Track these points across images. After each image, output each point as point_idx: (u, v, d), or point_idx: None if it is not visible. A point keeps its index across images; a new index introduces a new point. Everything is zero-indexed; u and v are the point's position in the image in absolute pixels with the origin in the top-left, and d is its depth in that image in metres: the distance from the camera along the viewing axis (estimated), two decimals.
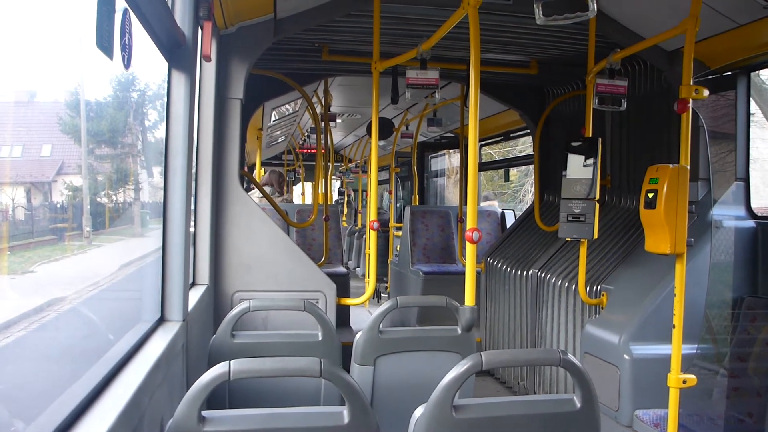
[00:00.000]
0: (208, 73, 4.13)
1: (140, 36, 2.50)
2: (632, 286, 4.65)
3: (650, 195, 3.71)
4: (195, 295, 3.76)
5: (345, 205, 18.27)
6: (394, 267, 9.31)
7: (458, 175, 8.70)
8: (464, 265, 3.39)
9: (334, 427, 2.03)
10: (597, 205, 4.54)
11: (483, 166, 10.25)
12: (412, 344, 3.31)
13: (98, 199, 3.27)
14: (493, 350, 2.37)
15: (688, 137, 3.68)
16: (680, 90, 3.63)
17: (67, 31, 2.32)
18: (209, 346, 3.22)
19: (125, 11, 2.29)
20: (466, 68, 4.96)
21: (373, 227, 4.77)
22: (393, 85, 4.91)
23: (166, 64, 3.12)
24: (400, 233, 9.73)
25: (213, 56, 4.04)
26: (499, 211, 9.41)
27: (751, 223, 4.60)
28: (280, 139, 13.48)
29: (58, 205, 3.01)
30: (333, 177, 17.36)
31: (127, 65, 2.32)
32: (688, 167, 3.68)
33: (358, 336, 3.28)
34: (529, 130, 7.38)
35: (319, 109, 8.04)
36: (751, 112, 4.70)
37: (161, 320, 3.13)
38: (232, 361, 2.01)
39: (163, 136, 3.19)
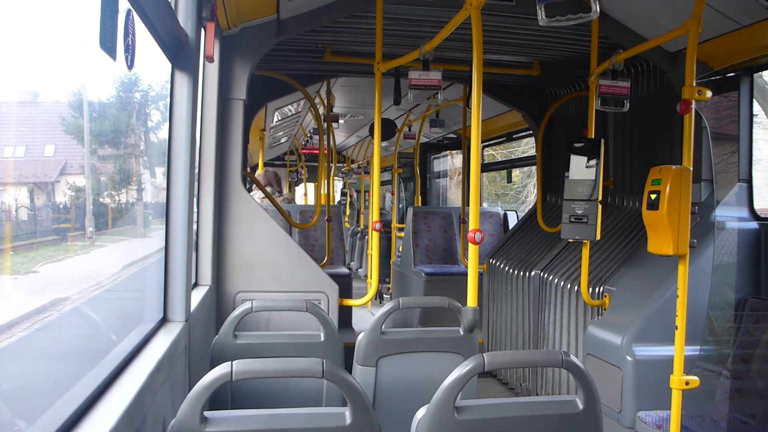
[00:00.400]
0: (210, 73, 4.14)
1: (143, 37, 2.50)
2: (635, 287, 4.65)
3: (653, 196, 3.71)
4: (197, 296, 3.77)
5: (347, 206, 18.28)
6: (397, 268, 9.30)
7: (461, 176, 8.69)
8: (466, 266, 3.39)
9: (336, 428, 2.03)
10: (599, 207, 4.54)
11: (485, 167, 10.24)
12: (414, 345, 3.31)
13: (101, 200, 3.27)
14: (496, 351, 2.37)
15: (690, 138, 3.67)
16: (683, 91, 3.63)
17: (70, 32, 2.33)
18: (211, 347, 3.23)
19: (128, 12, 2.29)
20: (468, 69, 4.96)
21: (376, 228, 4.77)
22: (396, 86, 4.91)
23: (169, 65, 3.12)
24: (402, 234, 9.73)
25: (216, 57, 4.04)
26: (501, 212, 9.41)
27: (754, 225, 4.60)
28: (282, 140, 13.49)
29: (61, 206, 3.01)
30: (335, 178, 17.40)
31: (130, 66, 2.32)
32: (691, 168, 3.68)
33: (360, 337, 3.28)
34: (531, 131, 7.38)
35: (321, 110, 8.05)
36: (754, 113, 4.69)
37: (164, 320, 3.13)
38: (234, 362, 2.01)
39: (166, 136, 3.19)
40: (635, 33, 4.75)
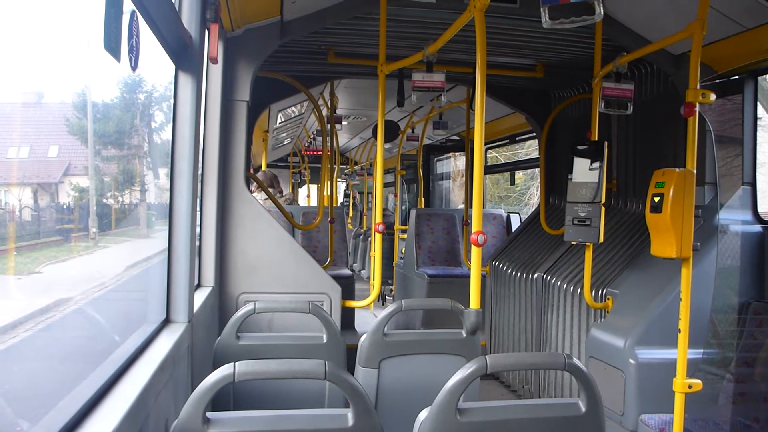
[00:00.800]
0: (214, 75, 4.14)
1: (147, 38, 2.51)
2: (638, 290, 4.64)
3: (656, 199, 3.70)
4: (200, 297, 3.77)
5: (350, 208, 18.27)
6: (399, 270, 9.30)
7: (464, 178, 8.68)
8: (469, 269, 3.39)
9: (338, 430, 2.03)
10: (603, 209, 4.53)
11: (488, 170, 10.24)
12: (416, 347, 3.31)
13: (105, 201, 3.28)
14: (498, 354, 2.38)
15: (694, 141, 3.67)
16: (687, 94, 3.63)
17: (75, 33, 2.33)
18: (214, 348, 3.23)
19: (133, 13, 2.29)
20: (472, 71, 4.96)
21: (379, 230, 4.77)
22: (399, 87, 4.92)
23: (173, 66, 3.13)
24: (405, 236, 9.73)
25: (219, 58, 4.05)
26: (504, 214, 9.40)
27: (757, 228, 4.59)
28: (285, 141, 13.50)
29: (65, 206, 3.02)
30: (338, 179, 17.40)
31: (134, 67, 2.32)
32: (695, 171, 3.67)
33: (362, 338, 3.28)
34: (534, 134, 7.38)
35: (325, 112, 8.05)
36: (758, 116, 4.68)
37: (166, 321, 3.13)
38: (236, 363, 2.02)
39: (170, 137, 3.20)
40: (639, 35, 4.75)
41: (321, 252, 8.08)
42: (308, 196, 18.47)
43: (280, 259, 4.50)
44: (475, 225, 3.29)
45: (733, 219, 4.54)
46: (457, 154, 12.57)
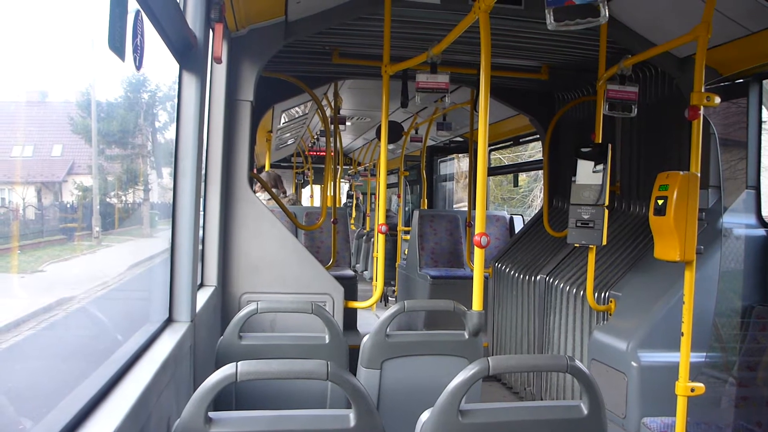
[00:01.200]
0: (218, 74, 4.15)
1: (152, 38, 2.51)
2: (641, 293, 4.63)
3: (660, 202, 3.70)
4: (203, 297, 3.77)
5: (353, 208, 18.28)
6: (402, 271, 9.30)
7: (467, 180, 8.68)
8: (472, 270, 3.39)
9: (340, 430, 2.03)
10: (606, 212, 4.53)
11: (492, 171, 10.23)
12: (419, 348, 3.31)
13: (108, 200, 3.28)
14: (501, 355, 2.38)
15: (698, 144, 3.66)
16: (691, 97, 3.62)
17: (79, 32, 2.34)
18: (216, 348, 3.23)
19: (137, 13, 2.30)
20: (476, 73, 4.96)
21: (382, 231, 4.77)
22: (403, 88, 4.92)
23: (177, 66, 3.13)
24: (408, 237, 9.73)
25: (224, 58, 4.05)
26: (508, 216, 9.40)
27: (761, 232, 4.58)
28: (289, 142, 13.51)
29: (68, 205, 3.02)
30: (342, 180, 17.41)
31: (138, 66, 2.33)
32: (699, 174, 3.66)
33: (365, 339, 3.28)
34: (538, 136, 7.37)
35: (328, 112, 8.05)
36: (763, 119, 4.67)
37: (169, 321, 3.14)
38: (239, 363, 2.02)
39: (173, 137, 3.20)
40: (644, 38, 4.74)
41: (324, 252, 8.08)
42: (311, 196, 18.48)
43: (282, 259, 4.50)
44: (478, 226, 3.29)
45: (737, 222, 4.54)
46: (460, 155, 12.57)
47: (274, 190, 8.19)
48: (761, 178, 4.66)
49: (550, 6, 2.89)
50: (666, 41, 4.08)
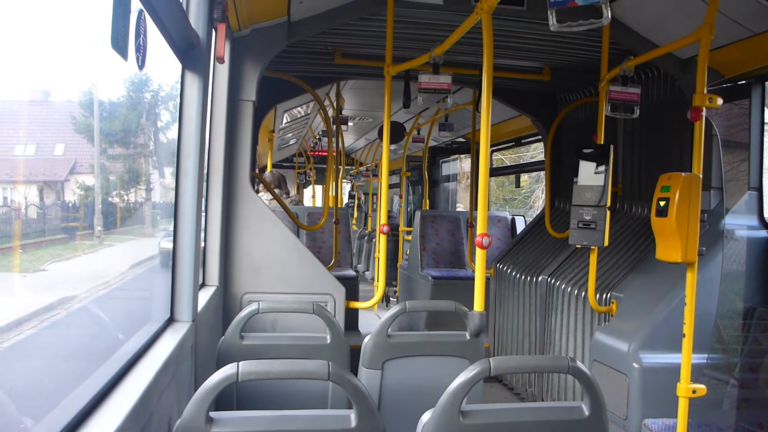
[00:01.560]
0: (221, 74, 4.15)
1: (154, 37, 2.51)
2: (642, 294, 4.63)
3: (662, 203, 3.69)
4: (204, 296, 3.77)
5: (355, 209, 18.29)
6: (404, 271, 9.30)
7: (469, 180, 8.69)
8: (473, 271, 3.39)
9: (341, 431, 2.03)
10: (608, 213, 4.53)
11: (494, 172, 10.23)
12: (420, 349, 3.31)
13: (110, 199, 3.29)
14: (502, 356, 2.38)
15: (700, 146, 3.66)
16: (694, 98, 3.61)
17: (82, 32, 2.34)
18: (218, 348, 3.23)
19: (140, 12, 2.30)
20: (478, 73, 4.96)
21: (383, 231, 4.77)
22: (405, 89, 4.92)
23: (179, 66, 3.13)
24: (410, 237, 9.72)
25: (226, 58, 4.05)
26: (509, 216, 9.40)
27: (763, 233, 4.57)
28: (291, 142, 13.52)
29: (70, 204, 3.02)
30: (344, 180, 17.41)
31: (141, 66, 2.33)
32: (701, 176, 3.66)
33: (366, 339, 3.28)
34: (540, 137, 7.37)
35: (330, 113, 8.05)
36: (765, 121, 4.67)
37: (170, 320, 3.14)
38: (240, 363, 2.02)
39: (176, 136, 3.20)
40: (646, 39, 4.74)
41: (325, 253, 8.08)
42: (313, 196, 18.48)
43: (284, 259, 4.50)
44: (480, 227, 3.29)
45: (739, 224, 4.53)
46: (462, 156, 12.57)
47: (277, 190, 8.21)
48: (763, 179, 4.66)
49: (552, 7, 2.89)
50: (668, 43, 4.08)
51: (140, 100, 3.48)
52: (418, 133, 10.19)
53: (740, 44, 4.27)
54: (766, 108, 4.64)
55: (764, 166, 4.67)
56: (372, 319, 8.71)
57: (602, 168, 4.56)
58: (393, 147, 11.56)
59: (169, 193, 3.40)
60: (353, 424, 2.03)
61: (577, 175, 4.67)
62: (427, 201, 10.60)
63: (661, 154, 5.19)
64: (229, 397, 3.14)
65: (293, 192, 11.56)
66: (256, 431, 2.00)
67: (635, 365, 4.16)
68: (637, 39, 4.75)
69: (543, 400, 5.75)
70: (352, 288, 6.83)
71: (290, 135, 12.33)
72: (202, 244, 4.11)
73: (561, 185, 6.73)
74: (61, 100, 2.81)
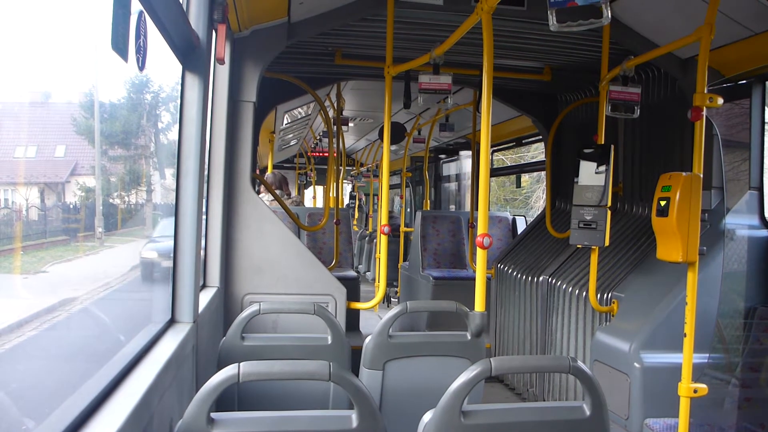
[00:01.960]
0: (221, 75, 4.15)
1: (155, 38, 2.51)
2: (643, 294, 4.63)
3: (662, 203, 3.69)
4: (205, 297, 3.77)
5: (356, 209, 18.29)
6: (405, 272, 9.30)
7: (468, 181, 8.70)
8: (474, 271, 3.39)
9: (342, 431, 2.03)
10: (608, 213, 4.53)
11: (494, 172, 10.23)
12: (421, 349, 3.31)
13: (111, 200, 3.29)
14: (503, 356, 2.38)
15: (701, 145, 3.66)
16: (694, 98, 3.61)
17: (82, 33, 2.34)
18: (219, 348, 3.23)
19: (140, 13, 2.30)
20: (479, 74, 4.96)
21: (384, 231, 4.77)
22: (405, 89, 4.92)
23: (180, 67, 3.13)
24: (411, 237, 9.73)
25: (227, 59, 4.06)
26: (510, 217, 9.40)
27: (764, 233, 4.57)
28: (292, 143, 13.52)
29: (71, 206, 3.03)
30: (344, 181, 17.41)
31: (141, 67, 2.33)
32: (701, 175, 3.66)
33: (367, 340, 3.28)
34: (541, 137, 7.37)
35: (331, 113, 8.05)
36: (766, 120, 4.67)
37: (171, 321, 3.14)
38: (241, 363, 2.02)
39: (176, 138, 3.20)
40: (647, 39, 4.74)
41: (326, 253, 8.09)
42: (314, 197, 18.49)
43: (285, 260, 4.50)
44: (481, 227, 3.29)
45: (740, 224, 4.53)
46: (463, 157, 12.57)
47: (278, 191, 8.21)
48: (764, 179, 4.66)
49: (552, 7, 2.89)
50: (669, 42, 4.08)
51: (141, 102, 3.48)
52: (419, 134, 10.19)
53: (740, 44, 4.27)
54: (766, 107, 4.64)
55: (765, 166, 4.67)
56: (373, 319, 8.71)
57: (603, 168, 4.56)
58: (394, 147, 11.57)
59: (170, 194, 3.40)
60: (354, 424, 2.03)
61: (577, 175, 4.67)
62: (428, 201, 10.59)
63: (661, 153, 5.19)
64: (230, 398, 3.14)
65: (294, 193, 11.56)
66: None
67: (636, 365, 4.16)
68: (637, 39, 4.75)
69: (544, 400, 5.75)
70: (353, 288, 6.83)
71: (291, 136, 12.34)
72: (203, 245, 4.12)
73: (562, 185, 6.73)
74: (62, 101, 2.81)
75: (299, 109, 9.41)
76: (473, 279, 3.44)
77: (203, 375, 3.27)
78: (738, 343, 4.35)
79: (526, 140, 8.88)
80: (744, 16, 4.06)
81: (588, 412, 2.21)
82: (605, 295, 4.96)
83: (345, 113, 9.77)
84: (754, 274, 4.49)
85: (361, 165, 16.63)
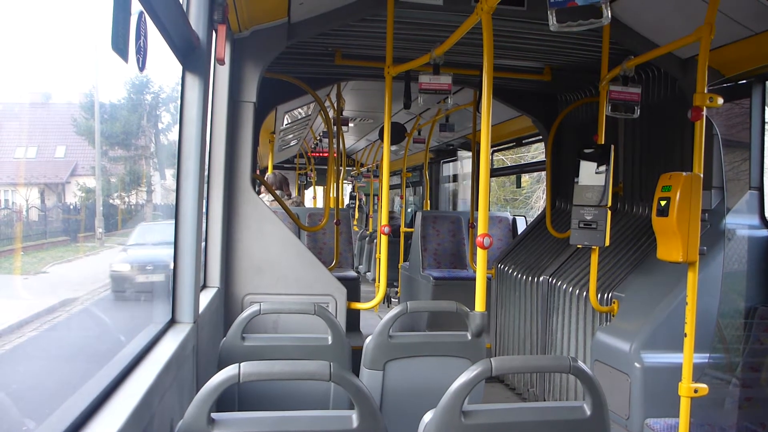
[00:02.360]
0: (221, 76, 4.15)
1: (155, 39, 2.51)
2: (644, 294, 4.63)
3: (663, 203, 3.69)
4: (206, 298, 3.77)
5: (356, 210, 18.29)
6: (405, 272, 9.30)
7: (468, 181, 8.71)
8: (475, 271, 3.39)
9: (342, 431, 2.03)
10: (609, 213, 4.53)
11: (495, 172, 10.23)
12: (421, 349, 3.31)
13: (111, 201, 3.29)
14: (503, 356, 2.38)
15: (701, 145, 3.66)
16: (694, 98, 3.61)
17: (82, 34, 2.34)
18: (219, 349, 3.23)
19: (141, 14, 2.30)
20: (479, 74, 4.96)
21: (384, 232, 4.77)
22: (405, 90, 4.92)
23: (180, 67, 3.14)
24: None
25: (227, 59, 4.06)
26: (510, 217, 9.39)
27: (764, 233, 4.57)
28: (292, 143, 13.52)
29: (72, 207, 3.03)
30: (344, 181, 17.41)
31: (141, 68, 2.33)
32: (702, 175, 3.66)
33: (367, 340, 3.28)
34: (541, 137, 7.37)
35: (331, 113, 8.05)
36: (766, 120, 4.67)
37: (172, 322, 3.14)
38: (242, 364, 2.02)
39: (176, 138, 3.20)
40: (647, 39, 4.74)
41: (327, 254, 8.09)
42: (314, 197, 18.49)
43: (285, 260, 4.50)
44: (481, 228, 3.29)
45: (740, 223, 4.53)
46: (464, 157, 12.57)
47: (279, 192, 8.21)
48: (764, 178, 4.66)
49: (552, 7, 2.89)
50: (669, 42, 4.08)
51: (141, 102, 3.49)
52: (419, 134, 10.19)
53: (740, 44, 4.27)
54: (766, 107, 4.64)
55: (765, 166, 4.66)
56: (373, 319, 8.71)
57: (603, 168, 4.56)
58: (394, 148, 11.57)
59: (170, 195, 3.40)
60: (355, 424, 2.03)
61: (578, 175, 4.68)
62: (428, 201, 10.59)
63: (661, 153, 5.18)
64: (230, 398, 3.14)
65: (294, 193, 11.56)
66: None
67: (637, 365, 4.16)
68: (637, 39, 4.75)
69: (545, 400, 5.75)
70: (353, 289, 6.83)
71: (291, 136, 12.34)
72: (203, 246, 4.12)
73: (562, 185, 6.73)
74: (62, 102, 2.81)
75: (299, 110, 9.41)
76: (473, 279, 3.45)
77: (204, 375, 3.27)
78: (738, 342, 4.35)
79: (526, 140, 8.88)
80: (744, 16, 4.06)
81: (588, 412, 2.21)
82: (605, 295, 4.96)
83: (345, 113, 9.77)
84: (755, 273, 4.49)
85: (362, 165, 16.63)
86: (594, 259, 4.74)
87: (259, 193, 5.95)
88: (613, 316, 4.81)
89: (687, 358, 3.60)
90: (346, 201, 18.84)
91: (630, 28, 4.74)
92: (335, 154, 7.40)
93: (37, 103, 2.57)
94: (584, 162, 4.65)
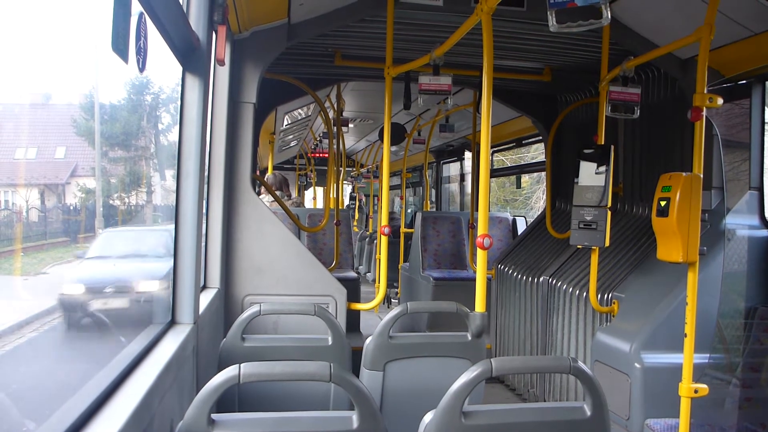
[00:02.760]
0: (221, 76, 4.15)
1: (155, 39, 2.51)
2: (644, 294, 4.63)
3: (663, 203, 3.69)
4: (206, 298, 3.77)
5: (356, 210, 18.29)
6: (405, 272, 9.30)
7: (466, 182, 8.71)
8: (475, 272, 3.39)
9: None
10: (609, 213, 4.53)
11: (495, 173, 10.23)
12: (421, 350, 3.31)
13: (111, 202, 3.29)
14: (503, 357, 2.37)
15: (701, 145, 3.66)
16: (694, 98, 3.61)
17: (82, 34, 2.34)
18: (219, 350, 3.23)
19: (141, 15, 2.30)
20: (478, 74, 4.96)
21: (384, 232, 4.77)
22: (405, 90, 4.92)
23: (180, 68, 3.14)
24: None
25: (227, 60, 4.06)
26: (510, 217, 9.39)
27: (764, 233, 4.57)
28: (292, 144, 13.52)
29: (72, 207, 3.03)
30: (344, 182, 17.41)
31: (141, 69, 2.33)
32: (701, 176, 3.66)
33: (368, 341, 3.28)
34: (541, 137, 7.37)
35: (331, 114, 8.05)
36: (766, 120, 4.67)
37: (172, 323, 3.14)
38: (242, 365, 2.02)
39: (176, 139, 3.20)
40: (646, 39, 4.74)
41: (327, 254, 8.09)
42: (314, 198, 18.49)
43: (285, 261, 4.50)
44: (481, 228, 3.29)
45: (740, 224, 4.53)
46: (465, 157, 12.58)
47: (279, 192, 8.21)
48: (764, 179, 4.66)
49: (552, 8, 2.89)
50: (669, 42, 4.08)
51: (141, 103, 3.49)
52: (419, 135, 10.20)
53: (740, 44, 4.27)
54: (766, 107, 4.64)
55: (765, 166, 4.66)
56: (373, 320, 8.70)
57: (603, 168, 4.56)
58: (394, 148, 11.57)
59: (170, 196, 3.40)
60: (355, 425, 2.03)
61: (577, 176, 4.68)
62: (428, 202, 10.59)
63: (661, 154, 5.19)
64: (230, 399, 3.14)
65: (294, 194, 11.57)
66: None
67: (637, 365, 4.16)
68: (637, 39, 4.75)
69: (545, 401, 5.75)
70: (353, 289, 6.83)
71: (291, 137, 12.34)
72: (203, 246, 4.12)
73: (562, 186, 6.73)
74: (62, 102, 2.81)
75: (299, 110, 9.42)
76: (473, 280, 3.45)
77: (204, 376, 3.27)
78: (738, 343, 4.35)
79: (526, 141, 8.88)
80: (744, 16, 4.06)
81: (589, 413, 2.21)
82: (606, 296, 4.96)
83: (345, 114, 9.77)
84: (755, 274, 4.49)
85: (361, 166, 16.63)
86: (594, 259, 4.74)
87: (259, 193, 5.95)
88: (613, 316, 4.81)
89: (687, 358, 3.60)
90: (346, 202, 18.84)
91: (630, 28, 4.74)
92: (335, 155, 7.40)
93: (37, 103, 2.57)
94: (584, 162, 4.65)
